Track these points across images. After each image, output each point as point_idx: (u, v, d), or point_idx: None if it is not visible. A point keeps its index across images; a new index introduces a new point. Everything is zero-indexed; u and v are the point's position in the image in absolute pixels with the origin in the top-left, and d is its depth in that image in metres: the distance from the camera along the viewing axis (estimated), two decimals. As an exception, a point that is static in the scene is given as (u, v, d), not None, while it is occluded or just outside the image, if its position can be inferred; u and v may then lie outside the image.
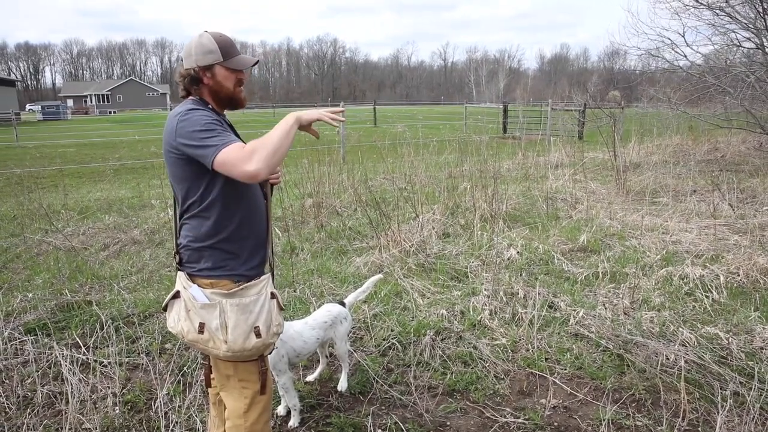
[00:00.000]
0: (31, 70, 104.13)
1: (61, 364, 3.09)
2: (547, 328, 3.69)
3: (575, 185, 8.20)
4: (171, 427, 2.68)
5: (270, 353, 2.25)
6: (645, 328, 3.63)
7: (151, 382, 3.08)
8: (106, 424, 2.71)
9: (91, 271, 4.86)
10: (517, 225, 6.28)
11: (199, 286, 1.91)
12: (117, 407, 2.83)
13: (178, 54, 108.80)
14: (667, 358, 3.24)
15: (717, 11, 10.26)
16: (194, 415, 2.77)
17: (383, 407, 2.92)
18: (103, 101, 72.87)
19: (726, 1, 9.96)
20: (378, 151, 9.37)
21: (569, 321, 3.76)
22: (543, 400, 2.96)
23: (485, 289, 4.23)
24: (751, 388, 2.85)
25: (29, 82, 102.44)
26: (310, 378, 3.17)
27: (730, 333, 3.53)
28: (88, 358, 3.27)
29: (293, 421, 2.73)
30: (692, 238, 5.64)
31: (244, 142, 2.04)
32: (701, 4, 10.33)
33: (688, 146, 13.19)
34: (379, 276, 3.57)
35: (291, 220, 6.52)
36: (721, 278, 4.40)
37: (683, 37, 11.60)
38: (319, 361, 3.24)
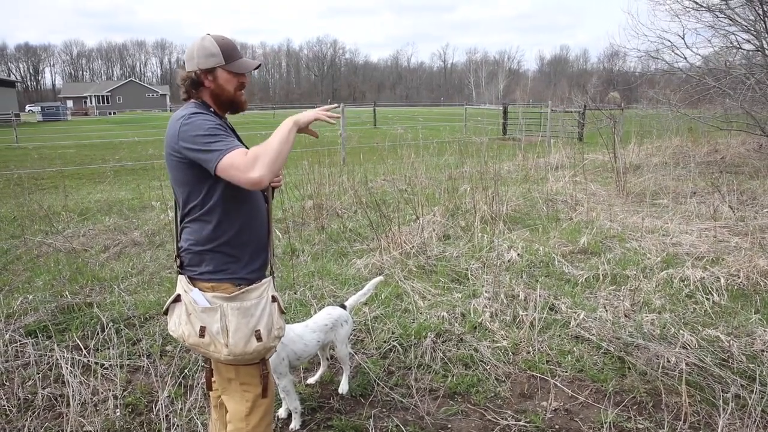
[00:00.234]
0: (31, 71, 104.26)
1: (61, 367, 3.09)
2: (548, 331, 3.69)
3: (575, 187, 8.20)
4: (172, 430, 2.68)
5: (271, 356, 2.25)
6: (646, 330, 3.63)
7: (152, 384, 3.08)
8: (107, 427, 2.71)
9: (92, 272, 4.86)
10: (518, 227, 6.28)
11: (200, 289, 1.91)
12: (118, 410, 2.83)
13: (178, 55, 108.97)
14: (668, 361, 3.24)
15: (717, 13, 10.28)
16: (195, 418, 2.77)
17: (384, 410, 2.92)
18: (103, 102, 72.90)
19: (726, 4, 9.97)
20: (378, 153, 9.37)
21: (570, 323, 3.76)
22: (544, 403, 2.96)
23: (486, 292, 4.22)
24: (752, 391, 2.85)
25: (29, 83, 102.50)
26: (311, 381, 3.17)
27: (731, 335, 3.53)
28: (88, 361, 3.27)
29: (294, 424, 2.73)
30: (692, 240, 5.64)
31: (245, 145, 2.04)
32: (701, 6, 10.35)
33: (688, 148, 13.20)
34: (380, 278, 3.57)
35: (291, 221, 6.52)
36: (722, 280, 4.40)
37: (683, 39, 11.59)
38: (320, 363, 3.24)
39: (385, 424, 2.79)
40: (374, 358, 3.42)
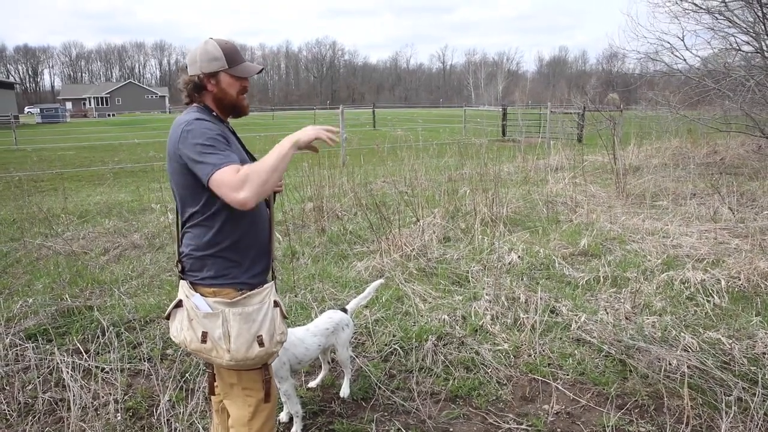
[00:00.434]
0: (30, 72, 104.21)
1: (62, 371, 3.08)
2: (549, 333, 3.69)
3: (575, 189, 8.21)
4: (173, 434, 2.67)
5: (273, 361, 2.24)
6: (647, 333, 3.63)
7: (153, 388, 3.08)
8: (107, 431, 2.70)
9: (92, 275, 4.85)
10: (518, 229, 6.28)
11: (201, 294, 1.90)
12: (119, 414, 2.82)
13: (177, 57, 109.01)
14: (670, 364, 3.24)
15: (716, 15, 10.29)
16: (197, 422, 2.76)
17: (386, 413, 2.91)
18: (102, 104, 72.87)
19: (725, 6, 9.98)
20: (378, 155, 9.37)
21: (571, 326, 3.76)
22: (546, 406, 2.95)
23: (486, 294, 4.22)
24: (754, 394, 2.85)
25: (28, 85, 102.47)
26: (313, 384, 3.16)
27: (732, 338, 3.52)
28: (89, 364, 3.26)
29: (296, 428, 2.72)
30: (693, 242, 5.64)
31: (246, 149, 2.04)
32: (700, 8, 10.37)
33: (688, 149, 13.21)
34: (381, 281, 3.57)
35: (291, 224, 6.51)
36: (722, 282, 4.40)
37: (682, 40, 11.63)
38: (321, 367, 3.23)
39: (386, 427, 2.79)
40: (375, 361, 3.42)
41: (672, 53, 11.36)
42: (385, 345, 3.57)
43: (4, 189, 9.57)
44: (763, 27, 9.40)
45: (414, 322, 3.86)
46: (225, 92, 1.93)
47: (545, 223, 6.59)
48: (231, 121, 2.07)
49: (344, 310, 3.10)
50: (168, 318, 2.01)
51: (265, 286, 1.98)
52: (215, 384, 2.20)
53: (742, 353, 3.34)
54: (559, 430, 2.77)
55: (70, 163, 14.29)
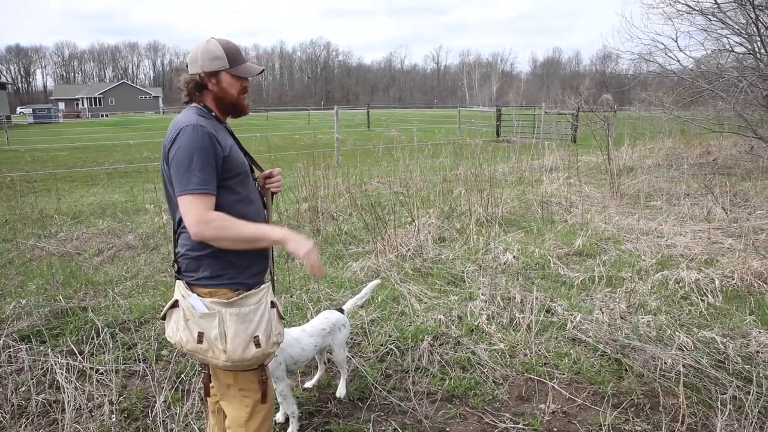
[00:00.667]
0: (22, 72, 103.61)
1: (56, 372, 3.06)
2: (545, 333, 3.69)
3: (570, 189, 8.24)
4: (169, 435, 2.66)
5: (269, 362, 2.23)
6: (642, 332, 3.65)
7: (148, 389, 3.06)
8: (102, 433, 2.69)
9: (86, 276, 4.82)
10: (513, 229, 6.30)
11: (198, 295, 1.89)
12: (114, 415, 2.81)
13: (171, 57, 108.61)
14: (665, 363, 3.25)
15: (709, 17, 10.35)
16: (192, 423, 2.75)
17: (382, 413, 2.91)
18: (95, 104, 72.52)
19: (718, 7, 10.04)
20: (373, 155, 9.37)
21: (567, 325, 3.77)
22: (542, 406, 2.96)
23: (482, 294, 4.22)
24: (749, 393, 2.87)
25: (20, 85, 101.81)
26: (309, 385, 3.15)
27: (727, 337, 3.54)
28: (83, 366, 3.24)
29: (292, 429, 2.71)
30: (687, 241, 5.67)
31: (244, 149, 2.03)
32: (693, 9, 10.43)
33: (681, 150, 13.29)
34: (377, 281, 3.56)
35: (287, 224, 6.50)
36: (716, 282, 4.42)
37: (676, 41, 11.74)
38: (317, 367, 3.22)
39: (383, 427, 2.78)
40: (371, 361, 3.41)
41: (665, 54, 11.42)
42: (381, 345, 3.57)
43: (-4, 189, 9.49)
44: (755, 29, 9.46)
45: (410, 322, 3.86)
46: (226, 92, 1.93)
47: (540, 223, 6.60)
48: (228, 121, 2.06)
49: (341, 311, 3.10)
50: (164, 318, 2.00)
51: (262, 286, 1.97)
52: (210, 385, 2.19)
53: (736, 352, 3.36)
54: (555, 429, 2.77)
55: (63, 163, 14.20)
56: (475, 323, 3.82)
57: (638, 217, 6.72)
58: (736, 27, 10.31)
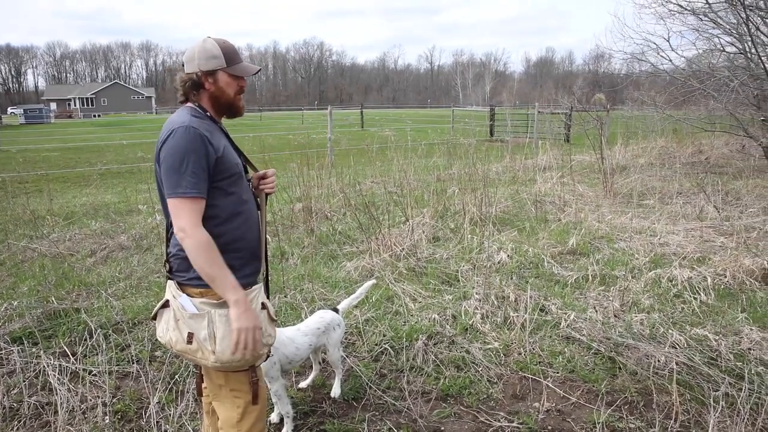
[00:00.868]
0: (13, 72, 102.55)
1: (48, 374, 3.04)
2: (539, 332, 3.71)
3: (563, 188, 8.26)
4: (162, 436, 2.65)
5: (261, 363, 2.23)
6: (635, 330, 3.66)
7: (142, 390, 3.04)
8: (95, 435, 2.67)
9: (78, 277, 4.79)
10: (507, 228, 6.31)
11: (188, 295, 1.88)
12: (107, 417, 2.79)
13: (164, 57, 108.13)
14: (658, 361, 3.27)
15: (701, 16, 10.40)
16: (186, 424, 2.74)
17: (377, 413, 2.91)
18: (88, 104, 72.05)
19: (709, 7, 10.10)
20: (366, 155, 9.37)
21: (560, 324, 3.78)
22: (536, 404, 2.97)
23: (476, 293, 4.23)
24: (740, 389, 2.89)
25: (11, 85, 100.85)
26: (303, 384, 3.15)
27: (719, 335, 3.57)
28: (76, 367, 3.22)
29: (286, 429, 2.71)
30: (679, 240, 5.70)
31: (238, 149, 2.02)
32: (685, 9, 10.48)
33: (673, 149, 13.37)
34: (372, 281, 3.56)
35: (281, 224, 6.48)
36: (709, 280, 4.45)
37: (668, 41, 11.75)
38: (311, 367, 3.22)
39: (378, 427, 2.78)
40: (366, 361, 3.41)
41: (658, 54, 11.48)
42: (376, 345, 3.57)
43: (-13, 191, 9.41)
44: (746, 28, 9.51)
45: (404, 322, 3.87)
46: (222, 91, 1.92)
47: (534, 222, 6.62)
48: (224, 122, 2.05)
49: (335, 310, 3.09)
50: (155, 318, 1.99)
51: (253, 287, 1.96)
52: (203, 385, 2.18)
53: (729, 349, 3.38)
54: (549, 427, 2.78)
55: (55, 164, 14.11)
56: (470, 322, 3.82)
57: (631, 215, 6.75)
58: (728, 27, 10.38)
